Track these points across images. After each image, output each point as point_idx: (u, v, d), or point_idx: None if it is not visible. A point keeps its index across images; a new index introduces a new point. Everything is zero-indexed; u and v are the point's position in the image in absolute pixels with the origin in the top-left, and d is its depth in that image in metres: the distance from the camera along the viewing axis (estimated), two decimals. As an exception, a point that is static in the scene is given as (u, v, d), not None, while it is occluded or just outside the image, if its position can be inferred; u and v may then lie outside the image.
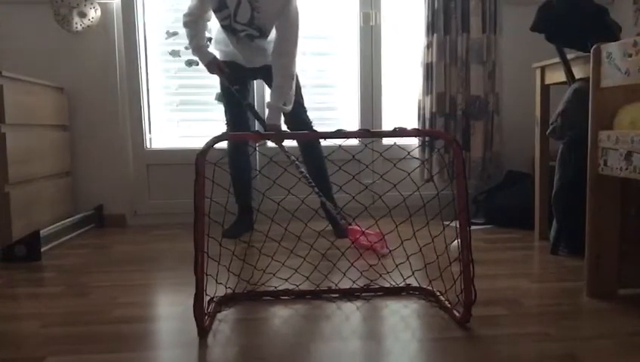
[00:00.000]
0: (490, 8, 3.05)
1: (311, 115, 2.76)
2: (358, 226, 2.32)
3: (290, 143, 2.63)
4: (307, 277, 1.85)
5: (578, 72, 2.21)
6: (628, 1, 3.09)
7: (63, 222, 2.72)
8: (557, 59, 2.26)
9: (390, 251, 2.06)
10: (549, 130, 2.24)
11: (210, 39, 2.72)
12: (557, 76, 2.35)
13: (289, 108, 2.55)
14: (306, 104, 2.76)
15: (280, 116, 2.55)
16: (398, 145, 1.87)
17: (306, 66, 3.13)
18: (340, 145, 1.76)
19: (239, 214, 2.82)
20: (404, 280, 1.83)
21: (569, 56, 2.22)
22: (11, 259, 2.31)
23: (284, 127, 2.66)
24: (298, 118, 2.67)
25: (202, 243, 1.42)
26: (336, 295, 1.76)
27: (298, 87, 2.67)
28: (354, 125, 3.24)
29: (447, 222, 1.78)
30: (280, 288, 1.79)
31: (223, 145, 2.55)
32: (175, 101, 3.20)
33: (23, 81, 2.50)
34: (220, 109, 2.83)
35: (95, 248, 2.56)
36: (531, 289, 1.81)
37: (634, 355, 1.29)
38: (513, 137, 3.24)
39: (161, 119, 3.21)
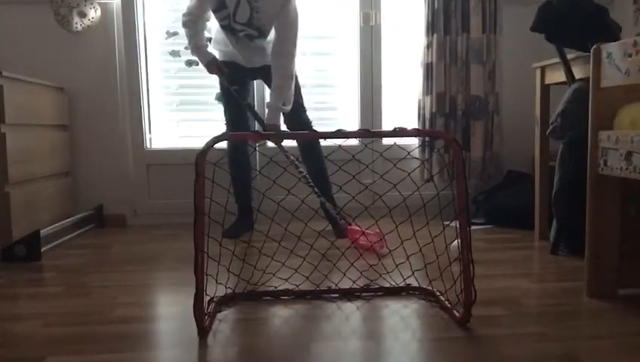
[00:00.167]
0: (490, 8, 3.05)
1: (311, 114, 2.76)
2: (358, 226, 2.32)
3: (289, 143, 2.63)
4: (307, 277, 1.85)
5: (578, 72, 2.21)
6: (628, 1, 3.09)
7: (63, 222, 2.72)
8: (557, 59, 2.26)
9: (390, 251, 2.06)
10: (549, 130, 2.24)
11: (209, 39, 2.72)
12: (557, 76, 2.35)
13: (288, 108, 2.55)
14: (306, 104, 2.76)
15: (279, 116, 2.55)
16: (398, 145, 1.87)
17: (306, 66, 3.13)
18: (339, 145, 1.76)
19: (239, 214, 2.82)
20: (404, 280, 1.83)
21: (569, 56, 2.22)
22: (11, 259, 2.31)
23: (283, 127, 2.67)
24: (298, 117, 2.67)
25: (202, 243, 1.42)
26: (336, 295, 1.76)
27: (298, 87, 2.67)
28: (354, 125, 3.24)
29: (447, 222, 1.78)
30: (280, 288, 1.79)
31: (223, 145, 2.56)
32: (175, 101, 3.20)
33: (23, 81, 2.50)
34: (219, 109, 2.83)
35: (95, 248, 2.56)
36: (531, 289, 1.81)
37: (634, 355, 1.29)
38: (513, 137, 3.24)
39: (161, 119, 3.21)
